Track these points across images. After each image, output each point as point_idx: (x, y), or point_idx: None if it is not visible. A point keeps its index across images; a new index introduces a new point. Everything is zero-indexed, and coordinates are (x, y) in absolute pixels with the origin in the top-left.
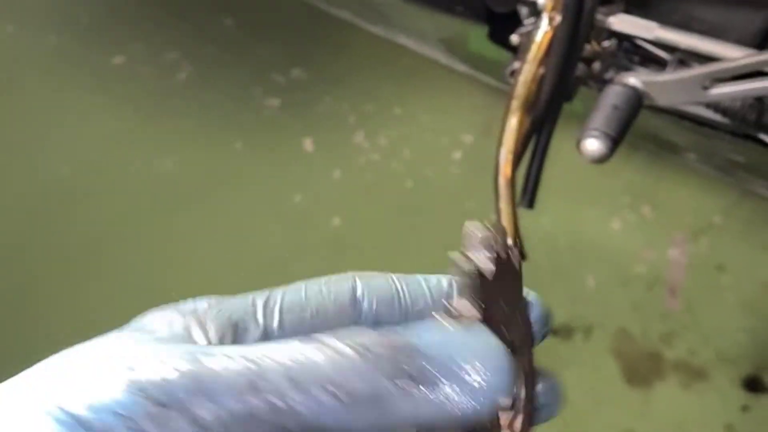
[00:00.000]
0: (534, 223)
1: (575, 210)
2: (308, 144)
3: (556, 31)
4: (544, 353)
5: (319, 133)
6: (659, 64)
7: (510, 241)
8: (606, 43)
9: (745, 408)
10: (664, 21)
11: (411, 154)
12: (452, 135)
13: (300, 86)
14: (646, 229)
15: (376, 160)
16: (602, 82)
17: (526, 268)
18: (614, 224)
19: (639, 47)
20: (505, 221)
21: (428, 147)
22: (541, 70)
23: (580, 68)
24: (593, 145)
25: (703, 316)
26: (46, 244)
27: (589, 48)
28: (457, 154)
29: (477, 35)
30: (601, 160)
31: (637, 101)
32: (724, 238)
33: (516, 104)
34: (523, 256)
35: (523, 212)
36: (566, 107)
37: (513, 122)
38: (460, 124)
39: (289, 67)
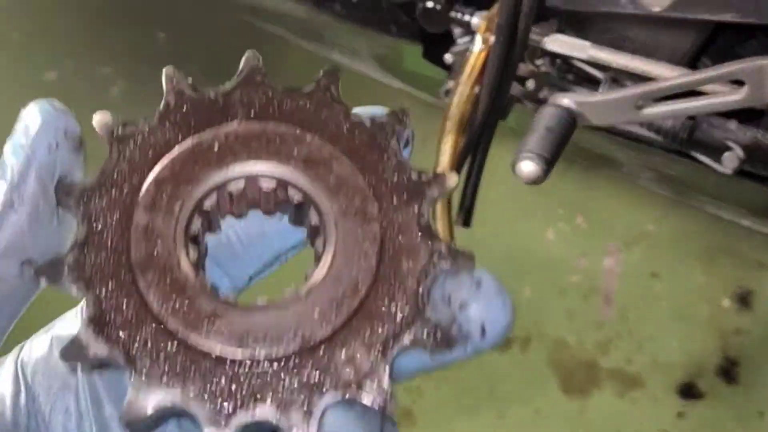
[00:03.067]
0: (471, 235)
1: (511, 222)
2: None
3: (490, 52)
4: (482, 365)
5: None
6: (593, 83)
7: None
8: (540, 63)
9: (680, 414)
10: (598, 41)
11: None
12: None
13: None
14: (581, 240)
15: None
16: (537, 101)
17: None
18: (549, 235)
19: (573, 66)
20: (442, 239)
21: None
22: (476, 90)
23: (515, 87)
24: (528, 167)
25: (637, 324)
26: None
27: (524, 67)
28: None
29: (412, 53)
30: (536, 181)
31: (570, 122)
32: (656, 246)
33: (450, 124)
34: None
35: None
36: (502, 123)
37: (448, 142)
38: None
39: (222, 81)
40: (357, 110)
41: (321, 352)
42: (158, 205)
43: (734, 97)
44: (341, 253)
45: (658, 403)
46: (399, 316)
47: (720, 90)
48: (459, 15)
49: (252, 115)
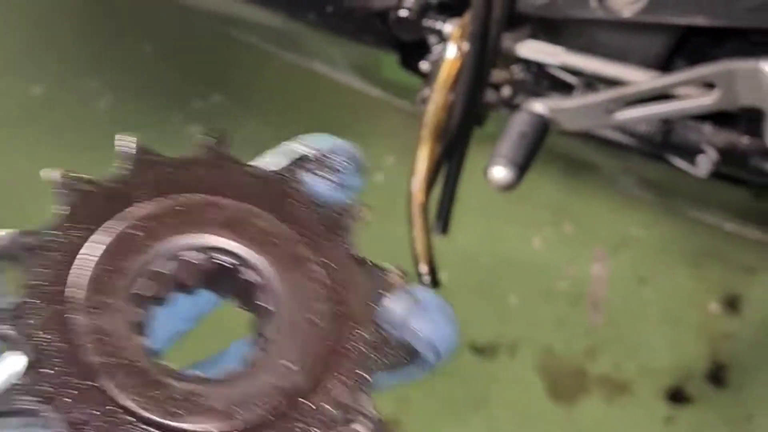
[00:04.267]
0: (456, 243)
1: (497, 229)
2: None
3: (464, 59)
4: (471, 373)
5: (241, 158)
6: (568, 88)
7: (425, 268)
8: (515, 69)
9: (668, 420)
10: (570, 46)
11: None
12: (374, 157)
13: (220, 112)
14: (568, 246)
15: None
16: (513, 107)
17: (452, 289)
18: (536, 242)
19: (548, 72)
20: (419, 248)
21: None
22: (451, 97)
23: (491, 94)
24: (500, 173)
25: (625, 330)
26: None
27: (498, 74)
28: (380, 176)
29: (389, 62)
30: (509, 187)
31: (543, 127)
32: (644, 251)
33: (426, 132)
34: (436, 283)
35: (441, 236)
36: (484, 130)
37: (424, 150)
38: (381, 146)
39: (208, 92)
40: (258, 161)
41: (304, 401)
42: (99, 305)
43: (705, 101)
44: (292, 302)
45: (646, 409)
46: (362, 345)
47: (691, 93)
48: (432, 23)
49: (158, 193)
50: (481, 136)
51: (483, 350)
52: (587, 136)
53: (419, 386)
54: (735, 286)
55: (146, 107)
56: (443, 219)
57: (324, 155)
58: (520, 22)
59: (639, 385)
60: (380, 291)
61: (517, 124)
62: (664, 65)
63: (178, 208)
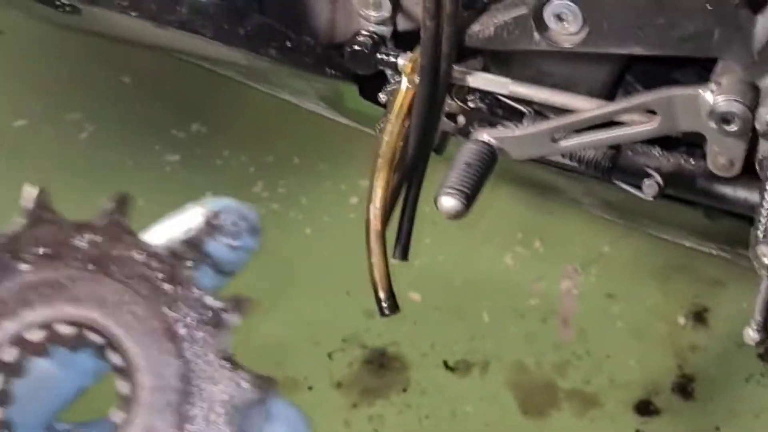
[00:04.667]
0: (431, 262)
1: (470, 248)
2: (209, 197)
3: (416, 92)
4: (443, 390)
5: (218, 186)
6: (521, 116)
7: (383, 294)
8: (470, 99)
9: None
10: (519, 76)
11: (309, 202)
12: (350, 181)
13: (199, 141)
14: (538, 263)
15: (275, 209)
16: (468, 135)
17: (426, 308)
18: (507, 260)
19: (501, 101)
20: (378, 275)
21: (326, 194)
22: (407, 126)
23: (446, 123)
24: (448, 202)
25: (595, 345)
26: None
27: (453, 104)
28: (354, 199)
29: (351, 93)
30: (457, 216)
31: (490, 157)
32: (612, 267)
33: (382, 162)
34: (395, 308)
35: (420, 251)
36: (447, 154)
37: (380, 178)
38: (356, 170)
39: (188, 122)
40: (157, 228)
41: None
42: None
43: (647, 127)
44: (149, 396)
45: (616, 422)
46: None
47: (635, 120)
48: (385, 57)
49: (44, 259)
50: (447, 160)
51: (455, 368)
52: (546, 162)
53: (393, 404)
54: (703, 299)
55: (126, 137)
56: (402, 245)
57: (217, 217)
58: (471, 55)
59: (609, 398)
60: (241, 399)
61: (465, 155)
62: (612, 93)
63: (60, 280)
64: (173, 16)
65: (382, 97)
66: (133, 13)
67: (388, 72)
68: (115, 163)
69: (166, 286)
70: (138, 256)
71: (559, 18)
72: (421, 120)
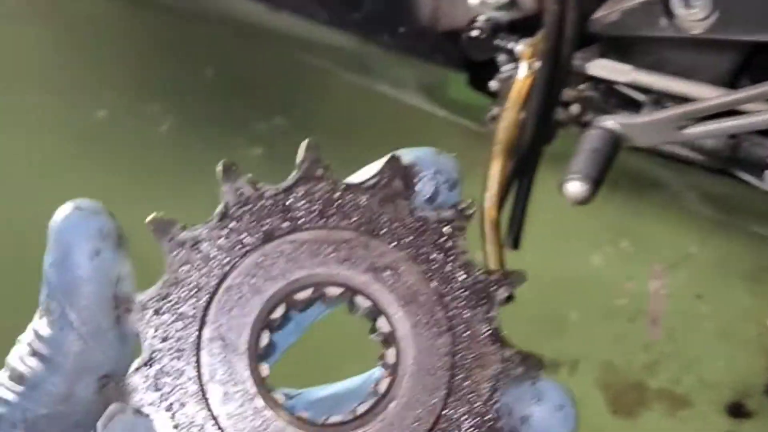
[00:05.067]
0: (519, 260)
1: (558, 247)
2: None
3: (536, 77)
4: None
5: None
6: (636, 106)
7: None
8: (584, 87)
9: None
10: (639, 64)
11: None
12: None
13: (282, 134)
14: (627, 263)
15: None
16: (581, 125)
17: (513, 306)
18: (595, 259)
19: (616, 90)
20: (492, 262)
21: None
22: (522, 115)
23: (560, 112)
24: (575, 187)
25: (684, 345)
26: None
27: (568, 92)
28: None
29: (457, 82)
30: (584, 201)
31: (615, 143)
32: (701, 268)
33: (498, 149)
34: (510, 297)
35: (509, 251)
36: (548, 148)
37: (496, 167)
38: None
39: (270, 115)
40: (403, 152)
41: None
42: (230, 321)
43: None
44: (417, 368)
45: (707, 422)
46: (473, 428)
47: (759, 108)
48: (503, 43)
49: (315, 218)
50: (548, 155)
51: (545, 367)
52: (653, 152)
53: None
54: None
55: (207, 130)
56: (515, 234)
57: (422, 168)
58: (591, 41)
59: (699, 398)
60: (507, 375)
61: (590, 140)
62: (732, 81)
63: (332, 241)
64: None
65: (494, 85)
66: None
67: (501, 59)
68: (194, 156)
69: (436, 255)
70: (409, 221)
71: (687, 3)
72: (540, 107)
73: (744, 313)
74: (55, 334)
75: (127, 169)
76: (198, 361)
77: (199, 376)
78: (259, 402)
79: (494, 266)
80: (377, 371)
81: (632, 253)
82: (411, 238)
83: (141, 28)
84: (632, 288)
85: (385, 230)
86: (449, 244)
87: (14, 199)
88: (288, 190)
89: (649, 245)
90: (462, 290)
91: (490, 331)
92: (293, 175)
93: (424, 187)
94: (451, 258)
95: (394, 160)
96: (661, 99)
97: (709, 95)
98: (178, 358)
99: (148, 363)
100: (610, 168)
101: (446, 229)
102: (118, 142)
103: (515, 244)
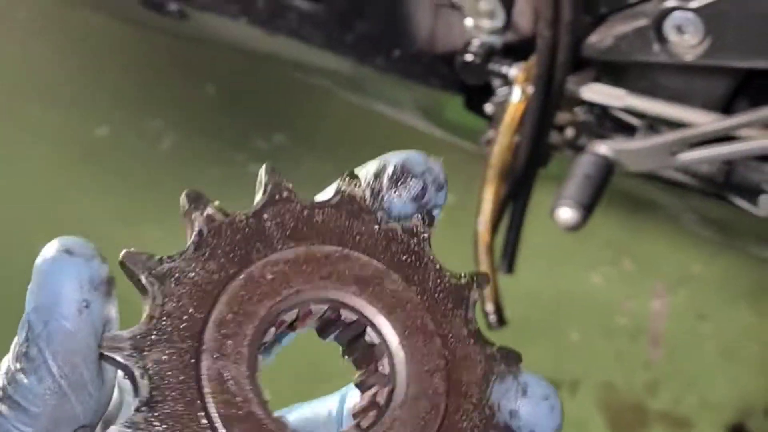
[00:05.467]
0: (518, 280)
1: (557, 266)
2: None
3: (529, 102)
4: None
5: (303, 197)
6: (631, 130)
7: (491, 307)
8: (578, 111)
9: None
10: (633, 88)
11: None
12: None
13: (283, 152)
14: (627, 282)
15: None
16: (576, 148)
17: (513, 326)
18: (595, 278)
19: (610, 114)
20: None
21: None
22: (516, 139)
23: (554, 135)
24: (566, 213)
25: (685, 365)
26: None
27: (562, 116)
28: (441, 215)
29: (453, 104)
30: (575, 227)
31: (608, 169)
32: (703, 287)
33: (492, 173)
34: (502, 321)
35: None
36: (544, 171)
37: (490, 190)
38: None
39: (271, 132)
40: (392, 154)
41: None
42: (225, 349)
43: (766, 142)
44: (414, 373)
45: None
46: (471, 425)
47: (753, 134)
48: (497, 67)
49: (291, 238)
50: (544, 177)
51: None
52: (649, 176)
53: None
54: None
55: (208, 147)
56: (509, 258)
57: (407, 170)
58: (585, 65)
59: (700, 419)
60: (493, 372)
61: (582, 166)
62: (726, 106)
63: (310, 258)
64: (283, 23)
65: (489, 108)
66: (244, 20)
67: (496, 83)
68: (196, 173)
69: (410, 264)
70: (378, 233)
71: (680, 30)
72: (533, 131)
73: (746, 332)
74: (33, 384)
75: (127, 185)
76: (201, 394)
77: (207, 414)
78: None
79: (488, 291)
80: (349, 390)
81: (633, 272)
82: (383, 248)
83: (144, 46)
84: (633, 307)
85: (358, 244)
86: (420, 252)
87: (13, 212)
88: (258, 214)
89: (651, 264)
90: (439, 295)
91: (471, 332)
92: (259, 200)
93: (412, 187)
94: (423, 265)
95: (352, 176)
96: (655, 124)
97: (703, 121)
98: (180, 394)
99: (148, 404)
100: (603, 194)
101: (415, 239)
102: (119, 158)
103: (509, 268)
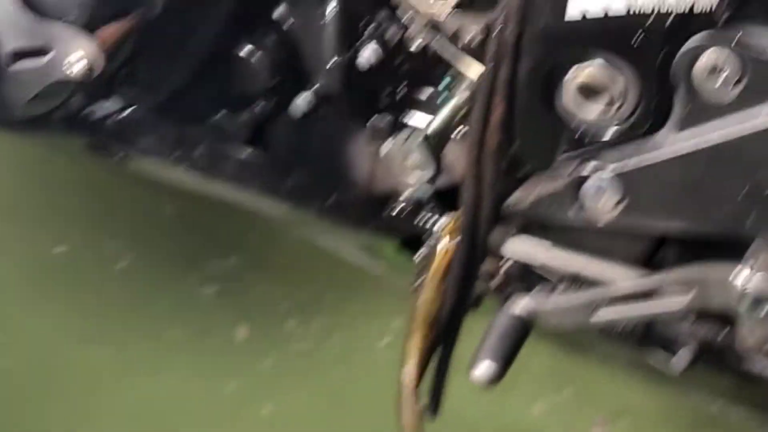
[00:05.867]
0: (456, 413)
1: (499, 397)
2: (242, 331)
3: (455, 253)
4: None
5: (253, 321)
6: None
7: None
8: (504, 260)
9: None
10: (558, 241)
11: (341, 340)
12: (382, 320)
13: (236, 274)
14: (568, 412)
15: (308, 348)
16: (504, 296)
17: None
18: (537, 408)
19: (531, 267)
20: None
21: (359, 332)
22: (442, 288)
23: (482, 283)
24: (482, 372)
25: None
26: None
27: (489, 264)
28: (387, 339)
29: (391, 245)
30: (492, 383)
31: (524, 326)
32: (644, 419)
33: (416, 324)
34: None
35: (449, 405)
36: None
37: (415, 341)
38: (389, 309)
39: (226, 254)
40: None
41: None
42: None
43: (679, 302)
44: None
45: None
46: None
47: (672, 290)
48: (426, 217)
49: None
50: (481, 311)
51: None
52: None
53: None
54: None
55: (162, 268)
56: (435, 401)
57: None
58: (510, 218)
59: None
60: None
61: (498, 325)
62: (649, 261)
63: None
64: (222, 169)
65: (418, 257)
66: (184, 165)
67: (424, 234)
68: (149, 294)
69: None
70: None
71: (595, 195)
72: (458, 283)
73: None
74: None
75: (79, 306)
76: None
77: None
78: None
79: None
80: None
81: (574, 402)
82: None
83: (104, 167)
84: None
85: None
86: None
87: None
88: None
89: (591, 394)
90: None
91: None
92: None
93: None
94: None
95: None
96: (575, 280)
97: (624, 277)
98: None
99: None
100: (520, 349)
101: None
102: (73, 278)
103: (434, 410)
